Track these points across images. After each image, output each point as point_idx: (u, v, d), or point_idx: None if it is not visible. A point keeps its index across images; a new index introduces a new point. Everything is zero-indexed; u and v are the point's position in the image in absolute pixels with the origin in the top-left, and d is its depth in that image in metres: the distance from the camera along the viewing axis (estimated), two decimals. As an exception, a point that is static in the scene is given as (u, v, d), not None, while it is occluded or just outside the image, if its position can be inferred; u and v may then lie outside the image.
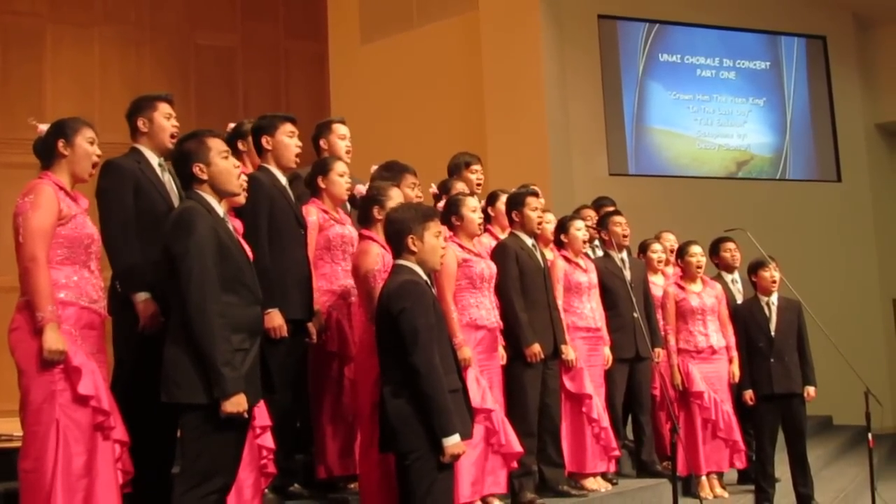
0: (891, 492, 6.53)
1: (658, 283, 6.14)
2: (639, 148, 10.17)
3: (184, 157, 3.28)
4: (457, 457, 3.34)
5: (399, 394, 3.34)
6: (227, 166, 3.29)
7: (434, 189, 5.37)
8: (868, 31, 11.29)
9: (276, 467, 3.89)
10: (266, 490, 4.06)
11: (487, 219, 5.23)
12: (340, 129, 4.86)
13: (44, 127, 3.46)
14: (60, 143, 3.37)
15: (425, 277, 3.54)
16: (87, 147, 3.42)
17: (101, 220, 3.61)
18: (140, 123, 3.88)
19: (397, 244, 3.58)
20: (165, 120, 3.89)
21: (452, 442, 3.29)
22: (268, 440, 3.78)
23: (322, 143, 4.85)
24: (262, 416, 3.65)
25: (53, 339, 3.12)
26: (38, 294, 3.14)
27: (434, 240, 3.57)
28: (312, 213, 4.47)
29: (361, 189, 4.38)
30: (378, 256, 4.00)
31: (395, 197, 4.17)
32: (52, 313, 3.14)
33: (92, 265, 3.36)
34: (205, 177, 3.25)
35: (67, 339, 3.18)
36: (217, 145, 3.30)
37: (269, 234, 4.11)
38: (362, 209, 4.27)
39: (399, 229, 3.56)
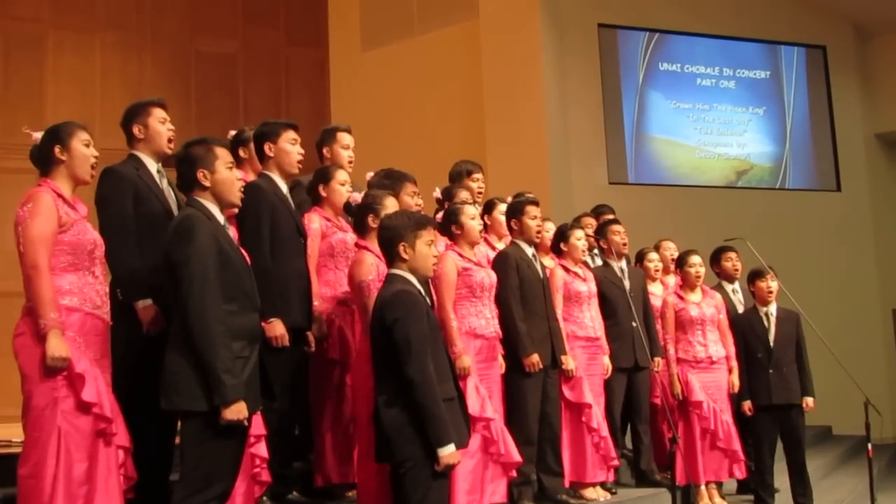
0: (890, 502, 6.52)
1: (657, 293, 6.14)
2: (638, 157, 10.18)
3: (190, 160, 3.28)
4: (452, 466, 3.33)
5: (393, 403, 3.34)
6: (230, 177, 3.31)
7: (438, 194, 5.37)
8: (868, 41, 11.32)
9: (270, 475, 3.88)
10: (264, 498, 4.06)
11: (484, 227, 5.23)
12: (345, 139, 4.87)
13: (38, 135, 3.45)
14: (57, 149, 3.37)
15: (419, 286, 3.54)
16: (83, 150, 3.41)
17: (101, 228, 3.61)
18: (136, 130, 3.88)
19: (389, 252, 3.59)
20: (161, 125, 3.90)
21: (447, 452, 3.28)
22: (261, 449, 3.78)
23: (325, 150, 4.86)
24: (256, 425, 3.65)
25: (56, 346, 3.12)
26: (41, 301, 3.15)
27: (426, 248, 3.56)
28: (315, 221, 4.48)
29: (357, 197, 4.39)
30: (372, 266, 4.01)
31: (389, 205, 4.17)
32: (55, 320, 3.14)
33: (96, 271, 3.37)
34: (207, 184, 3.26)
35: (71, 345, 3.18)
36: (224, 155, 3.32)
37: (270, 242, 4.11)
38: (357, 217, 4.28)
39: (391, 237, 3.57)
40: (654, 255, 6.27)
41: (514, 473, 4.57)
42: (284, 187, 4.31)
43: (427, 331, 3.38)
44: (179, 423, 3.19)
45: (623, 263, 5.85)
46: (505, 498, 4.54)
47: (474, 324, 4.59)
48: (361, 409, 3.92)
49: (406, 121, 9.86)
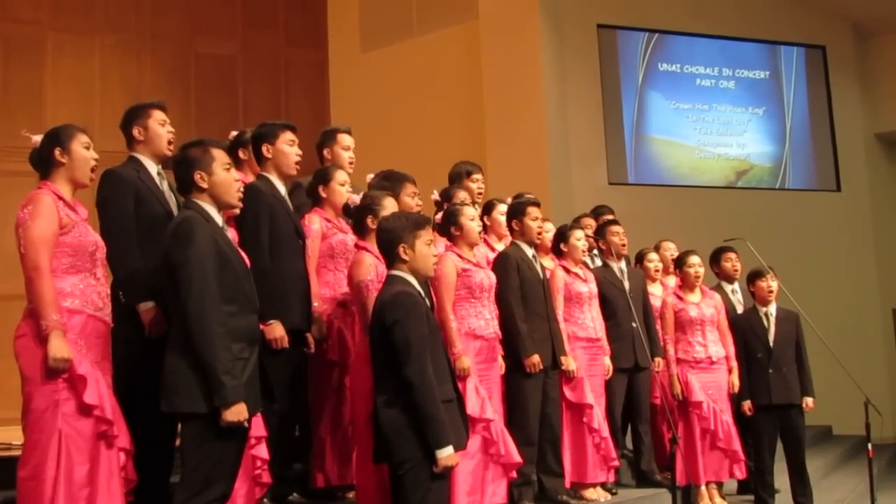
0: (890, 502, 6.52)
1: (656, 294, 6.14)
2: (638, 157, 10.18)
3: (186, 163, 3.28)
4: (450, 468, 3.33)
5: (392, 405, 3.34)
6: (227, 178, 3.31)
7: (436, 196, 5.38)
8: (867, 41, 11.32)
9: (271, 477, 3.88)
10: (264, 499, 4.06)
11: (483, 228, 5.23)
12: (345, 140, 4.87)
13: (37, 138, 3.45)
14: (57, 152, 3.37)
15: (419, 287, 3.54)
16: (83, 152, 3.42)
17: (102, 230, 3.62)
18: (136, 132, 3.89)
19: (389, 253, 3.59)
20: (160, 127, 3.91)
21: (446, 454, 3.29)
22: (262, 451, 3.77)
23: (325, 152, 4.87)
24: (256, 426, 3.65)
25: (58, 347, 3.12)
26: (43, 302, 3.15)
27: (425, 248, 3.57)
28: (315, 222, 4.48)
29: (355, 199, 4.39)
30: (371, 267, 4.01)
31: (388, 206, 4.17)
32: (57, 322, 3.14)
33: (97, 272, 3.37)
34: (205, 185, 3.26)
35: (72, 347, 3.18)
36: (221, 156, 3.32)
37: (269, 243, 4.11)
38: (356, 218, 4.28)
39: (390, 238, 3.57)
40: (653, 256, 6.28)
41: (514, 474, 4.57)
42: (282, 188, 4.31)
43: (427, 332, 3.38)
44: (180, 426, 3.19)
45: (623, 264, 5.85)
46: (505, 499, 4.53)
47: (474, 325, 4.59)
48: (360, 409, 3.92)
49: (406, 122, 9.86)
